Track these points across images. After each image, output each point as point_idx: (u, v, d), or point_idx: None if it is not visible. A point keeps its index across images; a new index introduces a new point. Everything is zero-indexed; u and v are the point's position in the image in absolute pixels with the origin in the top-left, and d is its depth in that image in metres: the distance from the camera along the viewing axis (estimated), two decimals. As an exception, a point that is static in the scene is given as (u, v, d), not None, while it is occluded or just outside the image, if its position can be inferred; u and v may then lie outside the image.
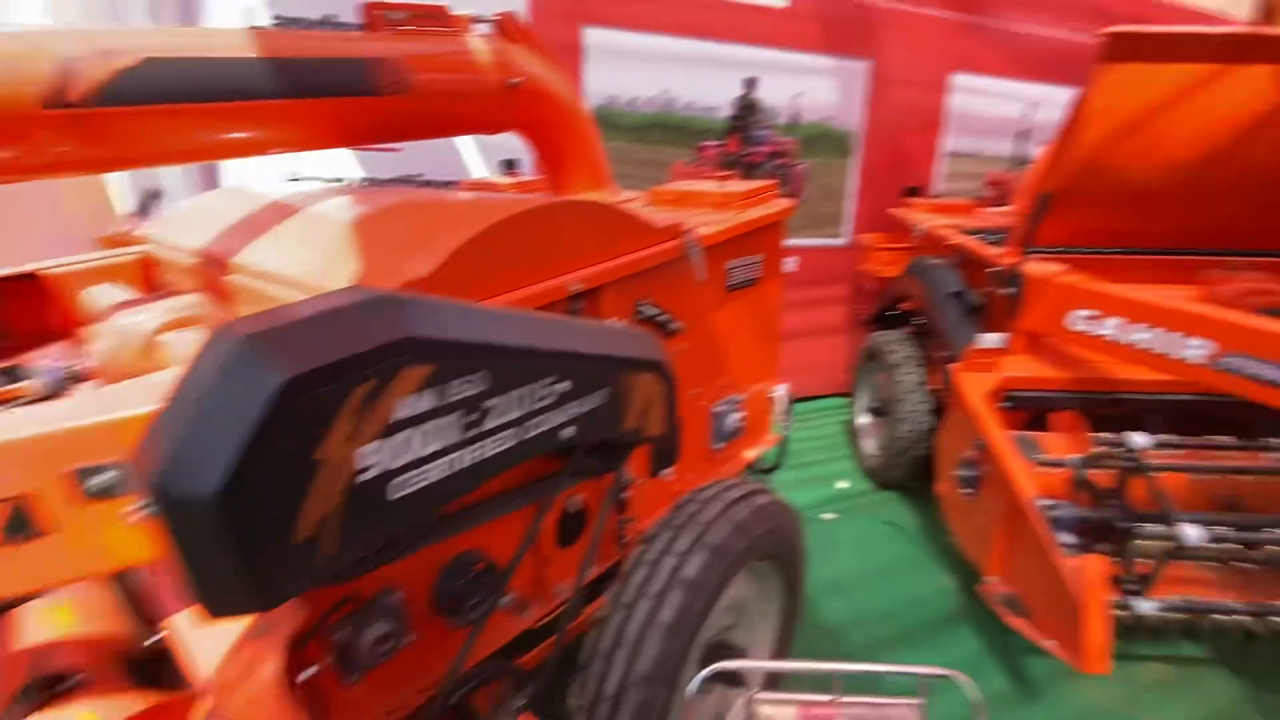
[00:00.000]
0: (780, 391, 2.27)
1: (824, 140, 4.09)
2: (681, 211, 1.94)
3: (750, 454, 2.18)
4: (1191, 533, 1.56)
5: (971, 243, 2.88)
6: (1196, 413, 2.21)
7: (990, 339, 2.29)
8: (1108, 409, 2.28)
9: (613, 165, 2.09)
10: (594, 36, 3.29)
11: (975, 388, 2.28)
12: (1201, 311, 1.85)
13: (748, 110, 3.85)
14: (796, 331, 4.33)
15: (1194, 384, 1.89)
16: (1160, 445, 1.86)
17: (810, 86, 3.93)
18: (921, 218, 3.56)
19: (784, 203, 2.11)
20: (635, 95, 3.52)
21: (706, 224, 1.78)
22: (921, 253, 3.39)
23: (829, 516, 2.98)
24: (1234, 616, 1.77)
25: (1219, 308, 1.94)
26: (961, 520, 2.36)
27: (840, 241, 4.29)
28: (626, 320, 1.49)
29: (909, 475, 3.07)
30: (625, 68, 3.46)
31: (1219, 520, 1.79)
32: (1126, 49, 1.94)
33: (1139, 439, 1.74)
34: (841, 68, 3.95)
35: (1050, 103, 4.68)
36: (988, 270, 2.65)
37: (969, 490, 2.23)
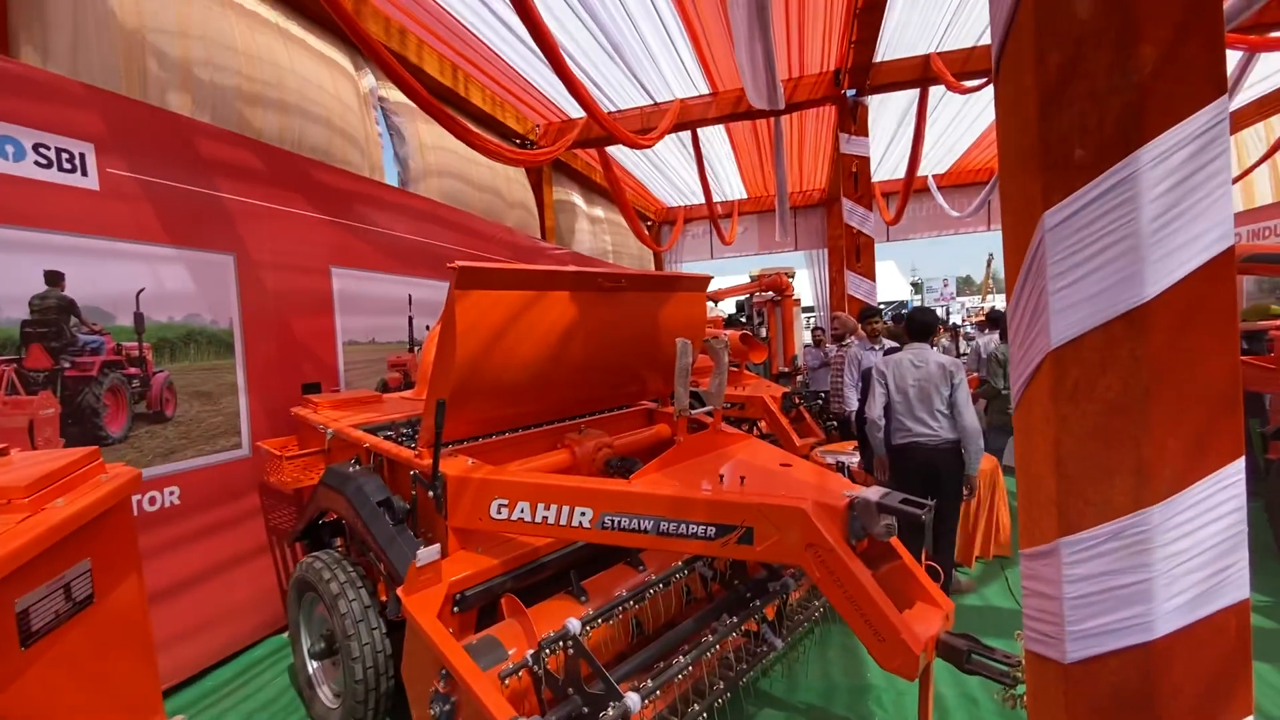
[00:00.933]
0: (170, 734, 1.55)
1: (196, 340, 3.42)
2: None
3: None
4: (633, 701, 1.75)
5: (387, 445, 2.80)
6: (599, 554, 2.65)
7: (428, 553, 2.19)
8: (537, 575, 2.49)
9: None
10: None
11: (425, 610, 2.12)
12: (581, 485, 2.21)
13: (60, 311, 2.85)
14: (199, 576, 3.33)
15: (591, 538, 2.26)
16: (586, 620, 2.08)
17: (159, 280, 3.25)
18: (328, 416, 3.32)
19: (121, 473, 1.50)
20: None
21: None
22: (336, 457, 3.13)
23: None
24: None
25: (591, 479, 2.39)
26: (449, 760, 2.10)
27: (242, 453, 3.60)
28: None
29: (384, 714, 2.63)
30: None
31: (639, 665, 2.12)
32: (472, 279, 2.25)
33: (573, 624, 1.90)
34: (198, 259, 3.42)
35: (430, 287, 5.32)
36: (410, 473, 2.61)
37: (448, 728, 2.01)
